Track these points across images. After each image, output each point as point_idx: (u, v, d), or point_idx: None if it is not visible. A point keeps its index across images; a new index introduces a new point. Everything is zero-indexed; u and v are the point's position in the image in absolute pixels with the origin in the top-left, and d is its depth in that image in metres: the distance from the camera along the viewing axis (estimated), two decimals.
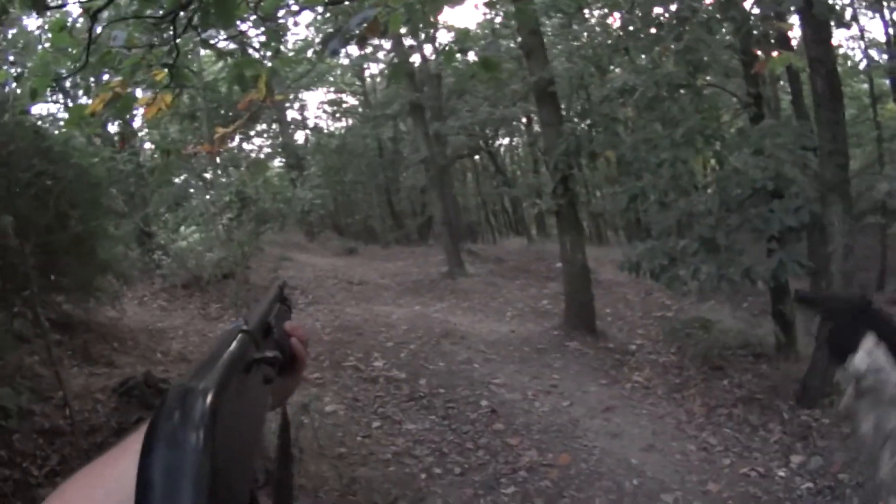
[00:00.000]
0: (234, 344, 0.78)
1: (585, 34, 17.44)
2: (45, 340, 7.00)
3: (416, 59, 20.97)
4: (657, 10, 10.44)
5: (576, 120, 12.75)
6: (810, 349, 8.93)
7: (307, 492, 6.72)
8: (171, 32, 4.95)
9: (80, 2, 5.26)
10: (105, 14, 5.47)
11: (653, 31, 10.60)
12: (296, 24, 23.09)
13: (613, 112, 11.15)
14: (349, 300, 15.03)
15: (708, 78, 11.39)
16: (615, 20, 13.97)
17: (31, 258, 7.10)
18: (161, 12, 5.01)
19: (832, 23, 9.58)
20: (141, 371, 8.06)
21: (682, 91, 10.35)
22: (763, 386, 9.42)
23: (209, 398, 0.61)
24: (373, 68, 29.52)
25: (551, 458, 7.69)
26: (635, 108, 11.11)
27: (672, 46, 9.87)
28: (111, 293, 10.05)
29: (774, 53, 9.93)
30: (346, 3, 7.29)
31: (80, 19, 5.64)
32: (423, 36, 20.87)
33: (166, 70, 5.58)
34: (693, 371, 10.35)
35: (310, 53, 21.41)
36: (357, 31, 5.29)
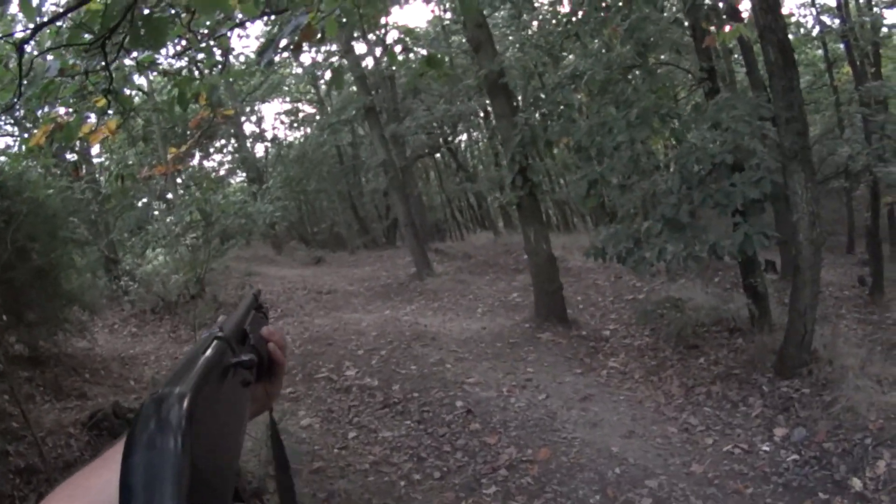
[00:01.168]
0: (209, 350, 0.80)
1: (535, 23, 17.39)
2: (8, 380, 6.89)
3: (368, 61, 20.84)
4: None
5: (531, 109, 12.61)
6: (784, 320, 8.86)
7: None
8: (104, 58, 4.79)
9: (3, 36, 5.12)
10: (48, 44, 5.33)
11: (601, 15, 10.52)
12: (240, 37, 23.01)
13: (566, 99, 11.03)
14: (318, 310, 14.88)
15: (663, 56, 11.33)
16: (563, 6, 13.91)
17: None
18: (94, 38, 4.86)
19: None
20: (111, 402, 7.94)
21: (636, 72, 10.30)
22: (740, 360, 9.38)
23: (185, 402, 0.64)
24: (327, 75, 29.31)
25: (531, 453, 7.60)
26: (588, 93, 11.02)
27: (617, 27, 9.80)
28: (79, 324, 9.95)
29: (727, 28, 9.90)
30: (276, 15, 7.16)
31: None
32: (373, 38, 20.79)
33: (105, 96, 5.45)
34: (669, 352, 10.30)
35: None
36: (292, 40, 5.16)
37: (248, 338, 1.04)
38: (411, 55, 19.10)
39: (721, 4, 10.20)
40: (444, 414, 8.72)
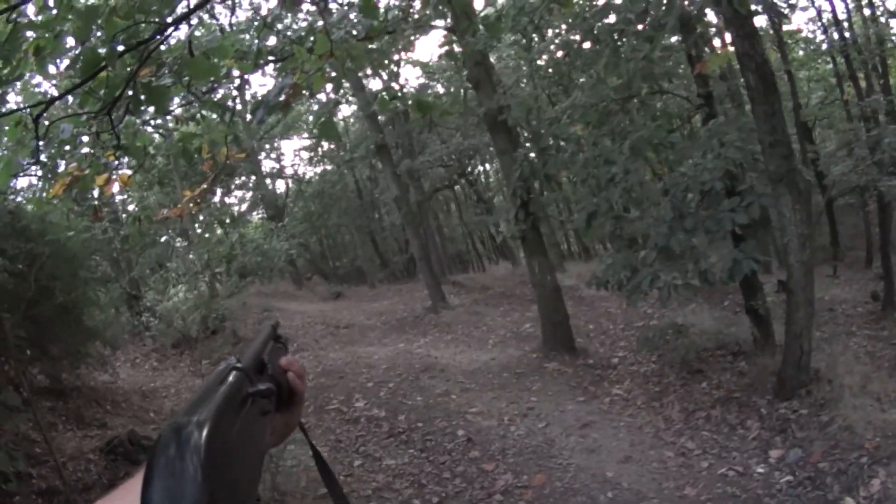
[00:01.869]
0: (227, 380, 0.82)
1: (546, 56, 17.52)
2: (32, 409, 7.20)
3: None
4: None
5: (527, 145, 12.77)
6: None
7: None
8: (110, 122, 5.06)
9: (24, 108, 5.38)
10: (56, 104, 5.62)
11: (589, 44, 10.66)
12: (248, 84, 23.31)
13: (563, 132, 11.17)
14: (334, 344, 15.09)
15: (673, 83, 11.44)
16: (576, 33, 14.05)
17: (17, 329, 7.34)
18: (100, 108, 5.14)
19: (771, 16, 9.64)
20: (128, 430, 8.26)
21: (634, 101, 10.41)
22: (741, 384, 9.38)
23: (205, 430, 0.64)
24: (345, 110, 29.55)
25: (526, 479, 7.72)
26: (585, 126, 11.13)
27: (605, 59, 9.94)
28: (100, 358, 10.24)
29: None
30: (281, 62, 7.43)
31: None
32: (385, 76, 21.02)
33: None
34: (673, 377, 10.33)
35: None
36: (280, 99, 5.41)
37: (265, 368, 1.06)
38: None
39: (713, 28, 10.31)
40: (445, 442, 8.90)
